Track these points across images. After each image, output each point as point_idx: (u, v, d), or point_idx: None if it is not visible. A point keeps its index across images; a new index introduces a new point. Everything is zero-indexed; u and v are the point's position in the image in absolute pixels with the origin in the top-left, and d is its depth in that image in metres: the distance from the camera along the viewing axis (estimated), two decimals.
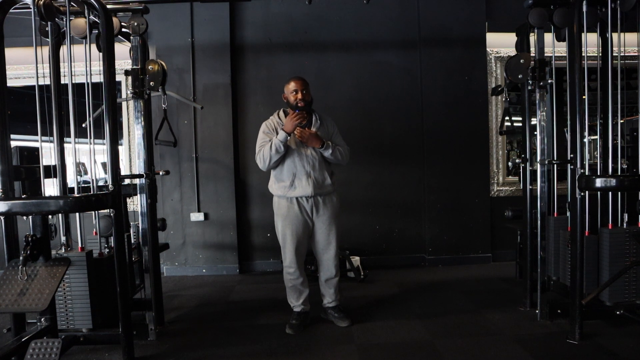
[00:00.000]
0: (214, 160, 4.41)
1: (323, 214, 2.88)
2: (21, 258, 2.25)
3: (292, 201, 2.84)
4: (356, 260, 4.09)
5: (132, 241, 3.01)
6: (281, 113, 2.95)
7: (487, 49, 4.51)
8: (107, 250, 2.80)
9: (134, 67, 2.85)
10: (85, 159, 3.35)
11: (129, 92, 2.91)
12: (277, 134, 2.77)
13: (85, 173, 4.11)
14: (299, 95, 2.80)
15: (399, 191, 4.55)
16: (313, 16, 4.43)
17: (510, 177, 4.70)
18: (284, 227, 2.88)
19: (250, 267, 4.54)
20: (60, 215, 2.66)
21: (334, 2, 4.43)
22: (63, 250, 2.61)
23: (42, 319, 2.49)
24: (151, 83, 2.85)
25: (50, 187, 2.68)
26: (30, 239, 2.32)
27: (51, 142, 2.72)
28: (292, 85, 2.83)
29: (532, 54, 2.97)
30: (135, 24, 2.84)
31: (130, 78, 2.86)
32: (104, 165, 2.70)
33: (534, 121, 3.08)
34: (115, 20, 2.70)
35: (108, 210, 2.40)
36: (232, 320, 3.13)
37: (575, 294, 2.57)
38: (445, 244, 4.51)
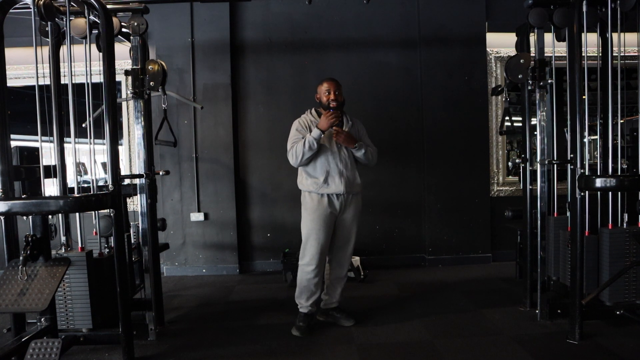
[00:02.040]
0: (214, 160, 4.41)
1: (349, 211, 2.89)
2: (21, 258, 2.25)
3: (324, 197, 2.83)
4: (356, 260, 4.09)
5: (132, 241, 3.01)
6: (313, 112, 2.97)
7: (487, 49, 4.51)
8: (107, 250, 2.80)
9: (134, 67, 2.85)
10: (85, 159, 3.35)
11: (129, 92, 2.91)
12: (310, 131, 2.79)
13: (85, 173, 4.11)
14: (332, 96, 2.84)
15: (399, 191, 4.55)
16: (313, 16, 4.43)
17: (510, 177, 4.70)
18: (311, 222, 2.84)
19: (250, 267, 4.54)
20: (60, 215, 2.66)
21: (334, 2, 4.43)
22: (63, 250, 2.61)
23: (42, 319, 2.49)
24: (151, 83, 2.85)
25: (50, 187, 2.68)
26: (30, 239, 2.32)
27: (51, 142, 2.72)
28: (325, 86, 2.87)
29: (532, 54, 2.97)
30: (135, 24, 2.84)
31: (130, 78, 2.86)
32: (104, 165, 2.70)
33: (534, 121, 3.09)
34: (115, 20, 2.70)
35: (108, 210, 2.40)
36: (232, 320, 3.13)
37: (575, 294, 2.57)
38: (445, 244, 4.51)
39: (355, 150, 2.85)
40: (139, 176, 2.91)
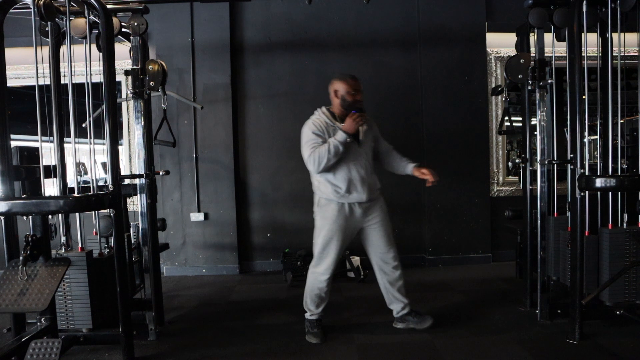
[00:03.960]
0: (214, 160, 4.41)
1: (376, 216, 2.76)
2: (21, 258, 2.25)
3: (344, 206, 2.68)
4: (356, 260, 4.09)
5: (132, 241, 3.01)
6: (325, 111, 2.75)
7: (487, 49, 4.51)
8: (107, 250, 2.79)
9: (134, 67, 2.85)
10: (85, 159, 3.35)
11: (129, 92, 2.91)
12: (329, 134, 2.64)
13: (85, 173, 4.11)
14: (358, 96, 2.69)
15: (399, 191, 4.54)
16: (313, 16, 4.43)
17: (510, 177, 4.70)
18: (330, 231, 2.69)
19: (250, 267, 4.54)
20: (60, 215, 2.66)
21: (334, 2, 4.43)
22: (63, 250, 2.61)
23: (42, 319, 2.49)
24: (151, 83, 2.85)
25: (50, 187, 2.68)
26: (30, 239, 2.31)
27: (51, 142, 2.72)
28: (351, 85, 2.69)
29: (532, 54, 2.97)
30: (135, 24, 2.84)
31: (130, 78, 2.86)
32: (104, 165, 2.71)
33: (534, 121, 3.08)
34: (115, 20, 2.70)
35: (108, 210, 2.40)
36: (232, 320, 3.13)
37: (575, 294, 2.57)
38: (445, 244, 4.51)
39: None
40: (139, 176, 2.91)
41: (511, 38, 3.22)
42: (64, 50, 2.72)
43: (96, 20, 2.48)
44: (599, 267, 2.69)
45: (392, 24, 4.48)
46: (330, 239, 2.70)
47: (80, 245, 2.59)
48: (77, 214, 2.61)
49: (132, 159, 4.45)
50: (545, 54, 2.94)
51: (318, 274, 2.75)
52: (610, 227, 2.66)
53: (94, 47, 2.58)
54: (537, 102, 3.00)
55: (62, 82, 2.76)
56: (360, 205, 2.71)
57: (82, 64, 2.49)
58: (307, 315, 2.83)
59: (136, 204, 3.24)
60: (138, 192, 2.95)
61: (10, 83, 3.03)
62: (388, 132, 4.47)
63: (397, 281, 2.84)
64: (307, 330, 2.79)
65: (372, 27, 4.47)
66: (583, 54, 2.54)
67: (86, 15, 2.44)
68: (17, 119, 4.04)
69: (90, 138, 2.46)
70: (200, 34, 4.35)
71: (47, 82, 2.69)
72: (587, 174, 2.52)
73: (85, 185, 2.80)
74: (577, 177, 2.56)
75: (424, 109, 4.49)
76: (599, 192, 2.70)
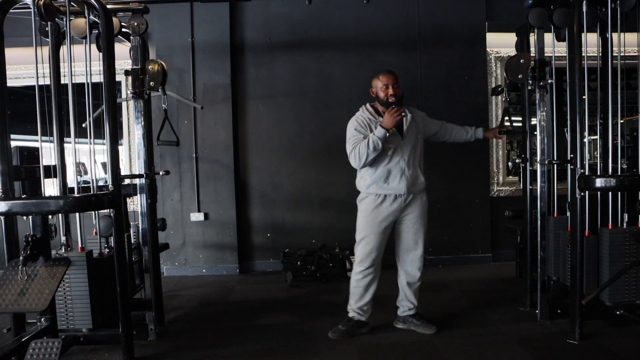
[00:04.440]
0: (214, 160, 4.41)
1: (412, 211, 2.77)
2: (21, 258, 2.25)
3: (381, 198, 2.71)
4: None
5: (132, 241, 3.01)
6: (369, 107, 2.81)
7: (487, 49, 4.51)
8: (107, 250, 2.79)
9: (134, 67, 2.85)
10: (85, 159, 3.35)
11: (129, 92, 2.91)
12: (371, 130, 2.66)
13: (85, 173, 4.11)
14: (390, 90, 2.71)
15: None
16: (313, 16, 4.43)
17: (510, 177, 4.70)
18: (366, 224, 2.73)
19: (250, 267, 4.54)
20: (60, 215, 2.66)
21: (334, 2, 4.43)
22: (63, 250, 2.61)
23: (42, 319, 2.49)
24: (151, 83, 2.85)
25: (50, 187, 2.68)
26: (30, 239, 2.31)
27: (51, 142, 2.72)
28: (382, 80, 2.75)
29: (532, 54, 2.97)
30: (135, 24, 2.84)
31: (130, 78, 2.86)
32: (104, 165, 2.71)
33: (534, 121, 3.08)
34: (115, 20, 2.69)
35: (108, 210, 2.40)
36: (232, 320, 3.13)
37: (575, 294, 2.57)
38: (445, 244, 4.51)
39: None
40: (139, 176, 2.91)
41: (511, 38, 3.22)
42: (64, 50, 2.73)
43: (96, 20, 2.48)
44: (599, 267, 2.69)
45: (392, 24, 4.47)
46: (364, 230, 2.73)
47: (80, 245, 2.59)
48: (77, 214, 2.61)
49: (132, 159, 4.45)
50: (545, 54, 2.94)
51: (355, 266, 2.77)
52: (610, 227, 2.66)
53: (94, 47, 2.58)
54: (537, 102, 3.00)
55: (62, 82, 2.76)
56: (398, 197, 2.71)
57: (82, 64, 2.49)
58: (352, 314, 2.79)
59: (136, 204, 3.24)
60: (138, 192, 2.95)
61: (10, 83, 3.03)
62: None
63: (416, 283, 2.84)
64: (344, 328, 2.76)
65: (372, 27, 4.46)
66: (583, 54, 2.54)
67: (86, 15, 2.44)
68: (17, 119, 4.05)
69: (90, 138, 2.46)
70: (200, 34, 4.35)
71: (47, 82, 2.69)
72: (587, 174, 2.52)
73: (85, 185, 2.80)
74: (577, 177, 2.56)
75: (424, 109, 4.47)
76: (599, 192, 2.70)
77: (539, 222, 3.01)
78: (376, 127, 2.65)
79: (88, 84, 2.53)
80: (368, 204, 2.74)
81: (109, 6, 2.55)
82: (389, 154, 2.69)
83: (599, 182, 2.42)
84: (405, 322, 2.86)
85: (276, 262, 4.43)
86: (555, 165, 2.95)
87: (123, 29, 2.85)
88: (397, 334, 2.80)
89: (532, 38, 2.98)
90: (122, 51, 3.06)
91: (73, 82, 2.36)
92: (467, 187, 4.48)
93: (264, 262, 4.54)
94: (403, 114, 2.65)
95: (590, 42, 2.61)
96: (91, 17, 2.48)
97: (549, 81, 2.91)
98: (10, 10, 2.37)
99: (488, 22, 4.47)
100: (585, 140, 2.56)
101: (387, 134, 2.60)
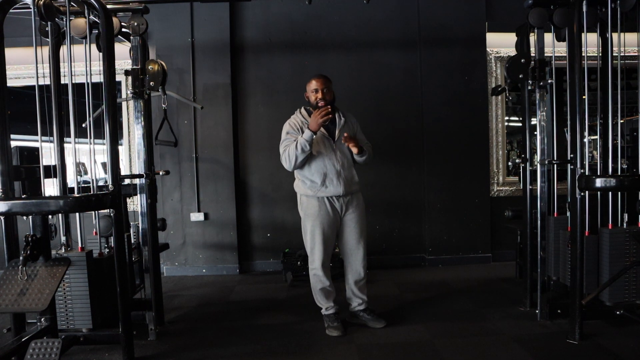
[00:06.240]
0: (214, 160, 4.41)
1: (352, 212, 2.85)
2: (21, 258, 2.25)
3: (323, 201, 2.79)
4: None
5: (132, 241, 3.01)
6: (303, 111, 2.90)
7: (487, 49, 4.51)
8: (107, 250, 2.80)
9: (134, 67, 2.85)
10: (85, 159, 3.36)
11: (129, 92, 2.91)
12: (302, 133, 2.71)
13: (85, 173, 4.11)
14: (319, 95, 2.77)
15: (399, 191, 4.55)
16: (313, 16, 4.43)
17: (510, 177, 4.70)
18: (313, 227, 2.81)
19: (250, 267, 4.54)
20: (60, 215, 2.66)
21: (334, 2, 4.43)
22: (63, 250, 2.61)
23: (42, 319, 2.49)
24: (151, 83, 2.85)
25: (50, 187, 2.68)
26: (30, 239, 2.32)
27: (51, 142, 2.72)
28: (312, 85, 2.81)
29: (532, 54, 2.97)
30: (135, 24, 2.84)
31: (130, 78, 2.86)
32: (104, 165, 2.71)
33: (534, 121, 3.09)
34: (115, 20, 2.70)
35: (108, 210, 2.40)
36: (232, 320, 3.13)
37: (575, 294, 2.57)
38: (445, 244, 4.51)
39: (358, 156, 2.80)
40: (139, 176, 2.91)
41: (511, 38, 3.22)
42: (64, 50, 2.73)
43: (96, 20, 2.48)
44: (599, 267, 2.69)
45: (392, 24, 4.48)
46: (314, 233, 2.81)
47: (80, 245, 2.59)
48: (77, 214, 2.61)
49: (132, 159, 4.45)
50: (545, 54, 2.95)
51: (314, 270, 2.87)
52: (610, 227, 2.67)
53: (94, 47, 2.58)
54: (537, 102, 3.00)
55: (62, 82, 2.76)
56: (338, 198, 2.80)
57: (82, 64, 2.49)
58: (323, 312, 2.91)
59: (136, 204, 3.24)
60: (138, 192, 2.95)
61: (10, 83, 3.04)
62: (388, 132, 4.51)
63: (362, 280, 2.96)
64: (327, 325, 2.86)
65: (372, 27, 4.47)
66: (583, 54, 2.54)
67: (86, 15, 2.44)
68: (17, 119, 4.05)
69: (90, 138, 2.46)
70: (200, 34, 4.35)
71: (47, 82, 2.69)
72: (587, 174, 2.52)
73: (85, 185, 2.80)
74: (577, 177, 2.56)
75: (424, 109, 4.49)
76: (599, 192, 2.70)
77: (539, 222, 3.02)
78: None
79: (88, 84, 2.53)
80: (311, 208, 2.81)
81: (109, 6, 2.55)
82: (323, 156, 2.76)
83: (599, 182, 2.42)
84: (357, 316, 2.96)
85: (276, 262, 4.43)
86: (555, 165, 2.96)
87: (123, 29, 2.85)
88: (397, 334, 2.80)
89: (532, 38, 2.99)
90: (122, 51, 3.06)
91: (73, 82, 2.36)
92: (467, 187, 4.48)
93: (264, 262, 4.55)
94: (330, 115, 2.67)
95: (590, 42, 2.61)
96: (91, 17, 2.48)
97: (549, 81, 2.92)
98: (10, 10, 2.37)
99: (488, 22, 4.47)
100: (585, 140, 2.56)
101: (314, 136, 2.66)
